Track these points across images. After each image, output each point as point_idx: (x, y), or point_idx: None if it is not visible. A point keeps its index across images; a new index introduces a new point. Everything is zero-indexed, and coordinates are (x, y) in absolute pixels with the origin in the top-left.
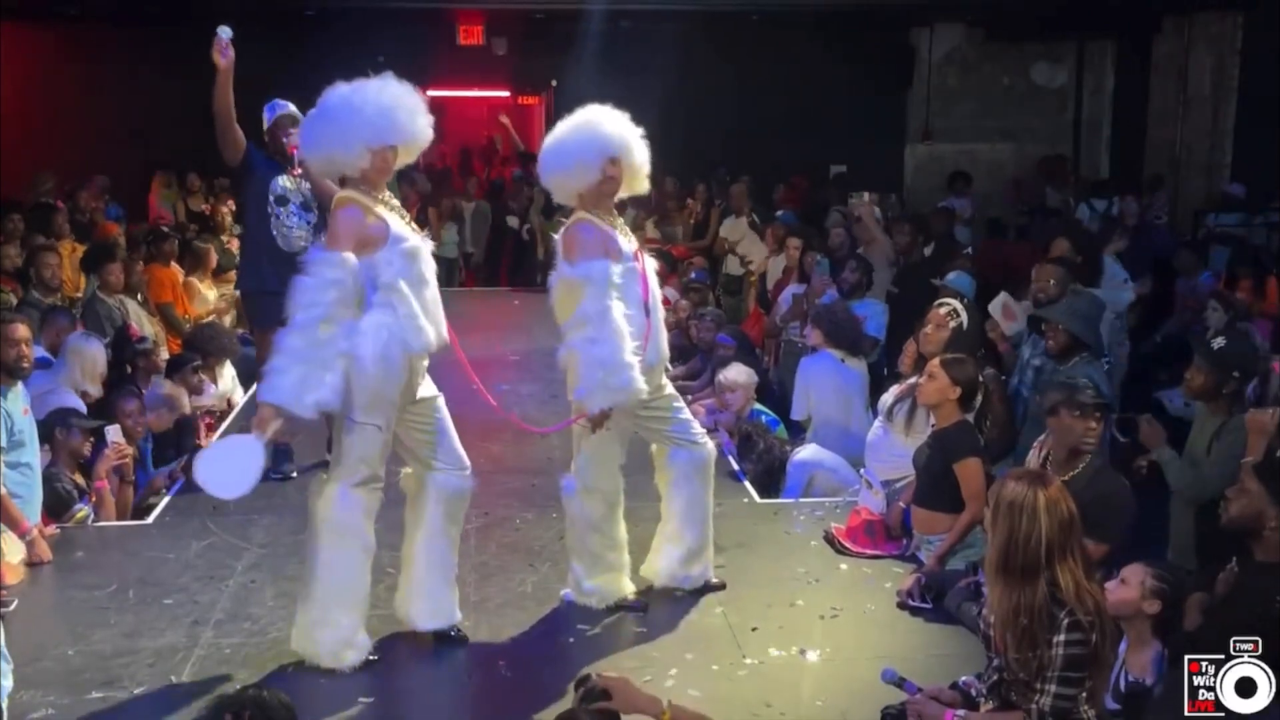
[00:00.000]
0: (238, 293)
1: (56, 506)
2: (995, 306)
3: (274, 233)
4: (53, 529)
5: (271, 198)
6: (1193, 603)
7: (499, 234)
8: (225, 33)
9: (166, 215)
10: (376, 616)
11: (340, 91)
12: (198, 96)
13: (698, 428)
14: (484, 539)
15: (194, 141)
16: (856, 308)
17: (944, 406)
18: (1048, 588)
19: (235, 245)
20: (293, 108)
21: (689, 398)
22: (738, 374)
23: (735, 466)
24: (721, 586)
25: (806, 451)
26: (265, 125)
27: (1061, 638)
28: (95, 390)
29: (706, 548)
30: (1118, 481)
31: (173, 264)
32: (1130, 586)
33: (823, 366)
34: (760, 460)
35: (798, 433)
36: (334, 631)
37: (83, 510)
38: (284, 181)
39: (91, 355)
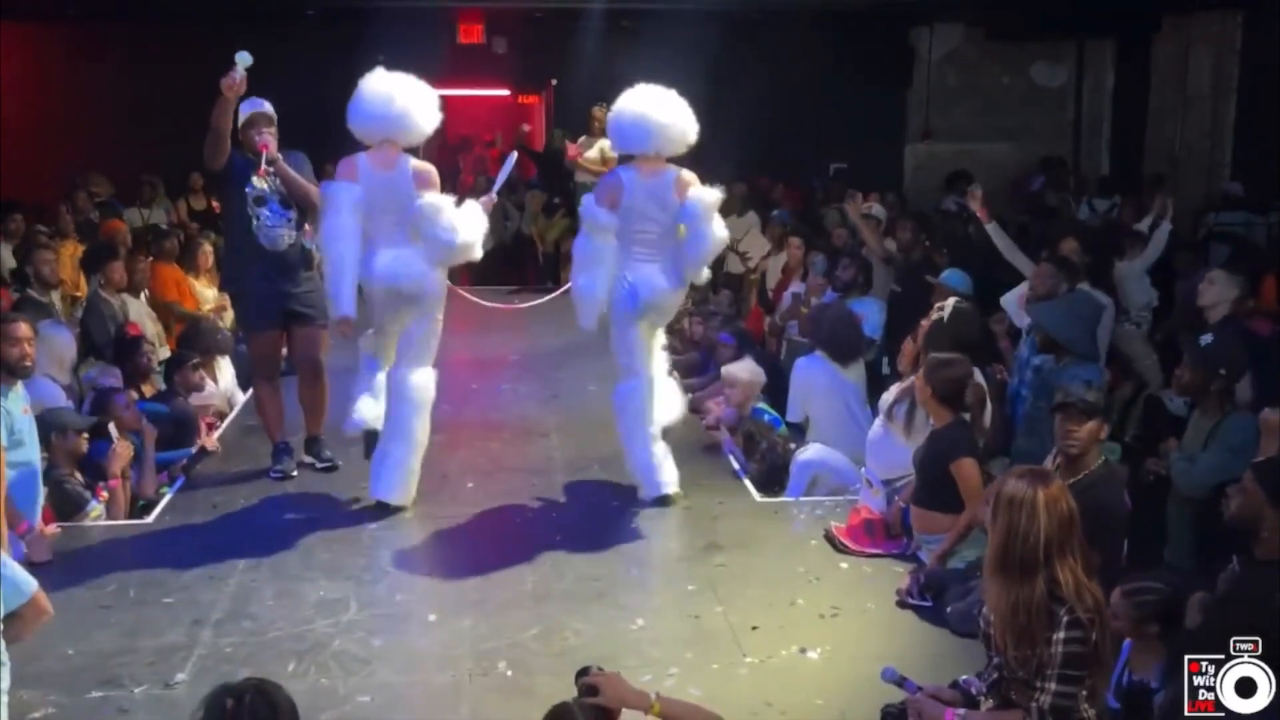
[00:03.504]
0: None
1: (68, 507)
2: (1011, 296)
3: (258, 234)
4: (53, 528)
5: (250, 199)
6: (1193, 602)
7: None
8: (243, 60)
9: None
10: (378, 615)
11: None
12: (198, 95)
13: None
14: (484, 538)
15: (194, 141)
16: (855, 306)
17: (931, 407)
18: (1047, 585)
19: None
20: (268, 106)
21: (692, 396)
22: (740, 370)
23: (736, 465)
24: None
25: (810, 451)
26: (239, 122)
27: (1061, 635)
28: (64, 379)
29: None
30: (1113, 494)
31: (175, 262)
32: (1121, 620)
33: (817, 368)
34: (764, 460)
35: (798, 432)
36: None
37: (96, 509)
38: (257, 182)
39: (61, 343)
